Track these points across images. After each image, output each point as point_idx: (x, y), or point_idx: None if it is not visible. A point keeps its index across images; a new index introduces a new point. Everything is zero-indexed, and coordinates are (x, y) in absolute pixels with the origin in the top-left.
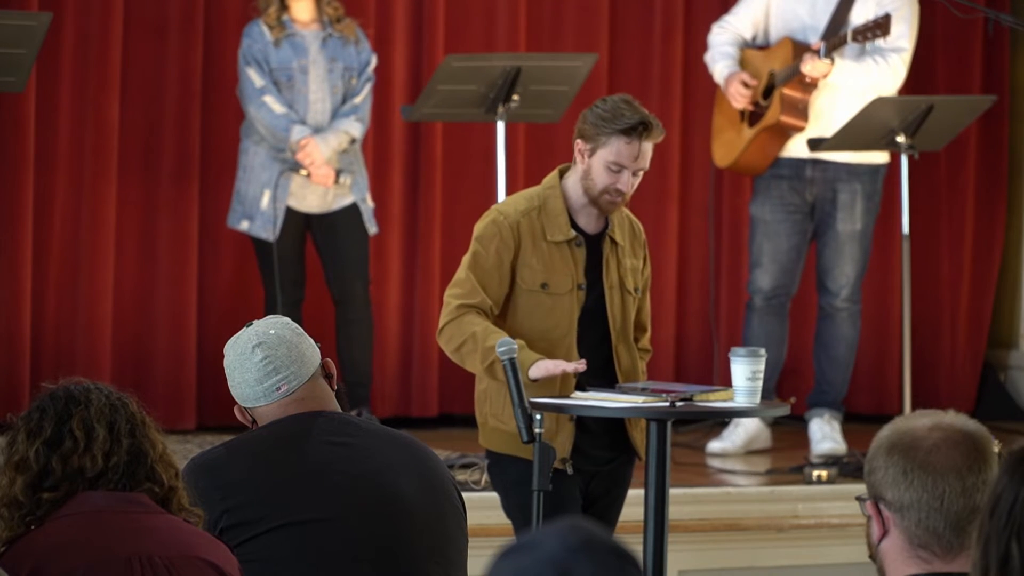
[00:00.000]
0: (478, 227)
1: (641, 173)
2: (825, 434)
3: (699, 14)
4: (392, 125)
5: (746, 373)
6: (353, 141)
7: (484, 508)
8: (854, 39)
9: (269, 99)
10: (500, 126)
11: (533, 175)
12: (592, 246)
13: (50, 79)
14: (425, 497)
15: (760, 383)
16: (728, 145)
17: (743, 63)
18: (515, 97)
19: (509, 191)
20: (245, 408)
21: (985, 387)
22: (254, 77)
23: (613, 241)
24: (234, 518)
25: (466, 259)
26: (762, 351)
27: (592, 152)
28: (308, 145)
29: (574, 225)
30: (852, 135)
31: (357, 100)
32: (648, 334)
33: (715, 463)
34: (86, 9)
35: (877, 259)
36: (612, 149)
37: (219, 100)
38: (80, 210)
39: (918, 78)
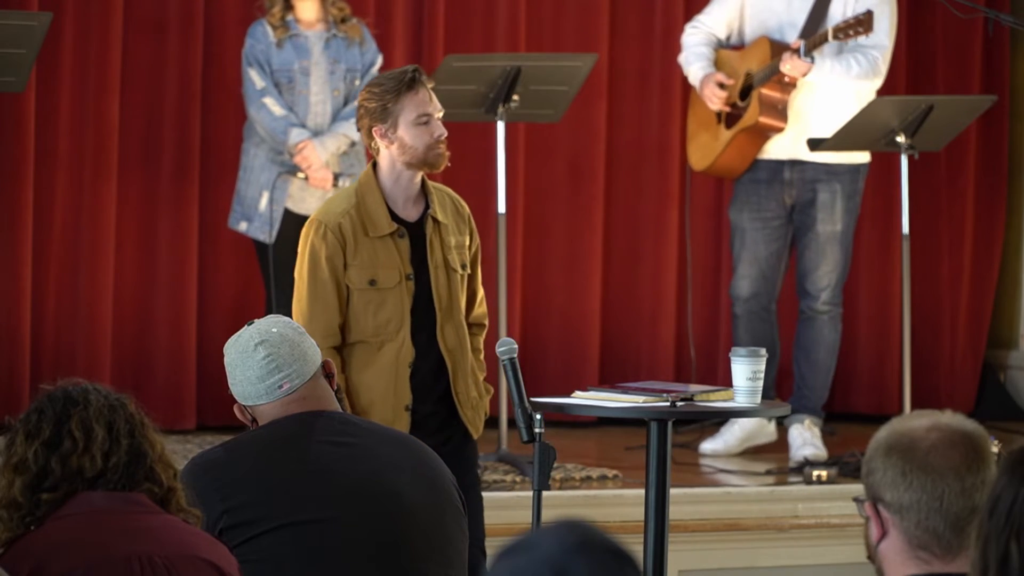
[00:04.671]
0: (304, 243)
1: (440, 116)
2: (805, 440)
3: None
4: None
5: (746, 373)
6: (353, 144)
7: (486, 508)
8: (835, 37)
9: (269, 101)
10: (500, 126)
11: (533, 175)
12: (415, 233)
13: (50, 79)
14: (425, 497)
15: (761, 383)
16: (704, 148)
17: (718, 64)
18: (515, 97)
19: (509, 191)
20: (245, 407)
21: (985, 387)
22: (255, 78)
23: (435, 221)
24: (234, 518)
25: (303, 279)
26: (763, 351)
27: (394, 127)
28: (306, 148)
29: (395, 217)
30: (852, 135)
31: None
32: (483, 307)
33: (715, 463)
34: (86, 9)
35: (877, 259)
36: (411, 107)
37: (219, 100)
38: (80, 210)
39: (918, 78)
